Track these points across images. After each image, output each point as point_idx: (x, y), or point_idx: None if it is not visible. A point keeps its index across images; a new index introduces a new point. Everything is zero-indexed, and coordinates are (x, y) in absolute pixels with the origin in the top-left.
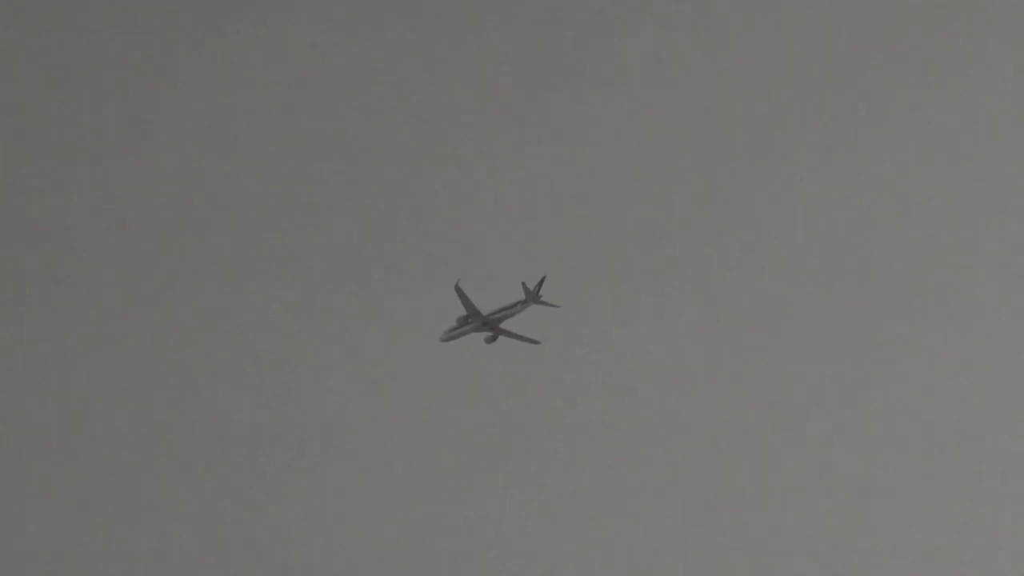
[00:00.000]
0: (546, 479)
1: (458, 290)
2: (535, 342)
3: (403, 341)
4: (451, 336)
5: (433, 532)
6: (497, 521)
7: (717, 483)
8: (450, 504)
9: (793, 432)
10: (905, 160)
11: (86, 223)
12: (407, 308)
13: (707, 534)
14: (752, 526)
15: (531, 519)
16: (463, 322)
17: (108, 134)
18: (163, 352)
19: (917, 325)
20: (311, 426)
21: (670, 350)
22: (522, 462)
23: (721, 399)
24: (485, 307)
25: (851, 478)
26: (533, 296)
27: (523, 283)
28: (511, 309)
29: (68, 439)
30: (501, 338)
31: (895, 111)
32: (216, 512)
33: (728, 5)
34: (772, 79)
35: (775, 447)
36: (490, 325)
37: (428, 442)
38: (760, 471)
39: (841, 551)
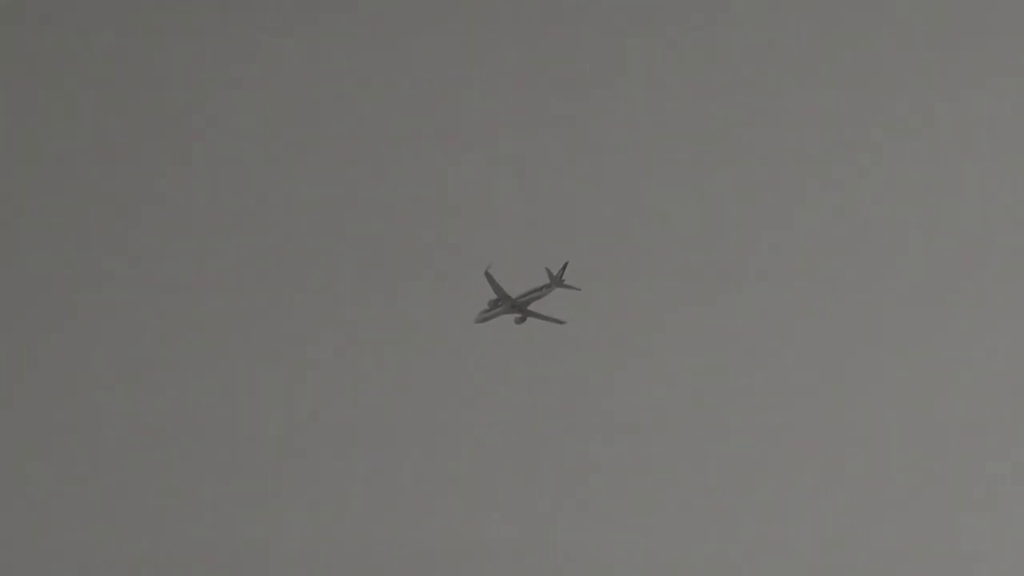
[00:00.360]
0: (568, 460)
1: (488, 276)
2: (560, 322)
3: (437, 325)
4: (484, 318)
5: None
6: (520, 506)
7: (735, 457)
8: (476, 486)
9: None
10: (914, 170)
11: (92, 227)
12: (440, 295)
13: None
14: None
15: (552, 497)
16: (494, 305)
17: (114, 138)
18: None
19: (922, 334)
20: (345, 417)
21: (684, 329)
22: (544, 440)
23: (732, 383)
24: (513, 292)
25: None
26: (557, 280)
27: (547, 268)
28: (537, 292)
29: (68, 439)
30: (529, 319)
31: (903, 119)
32: (249, 504)
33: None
34: (791, 82)
35: (798, 422)
36: (519, 307)
37: (458, 420)
38: (782, 445)
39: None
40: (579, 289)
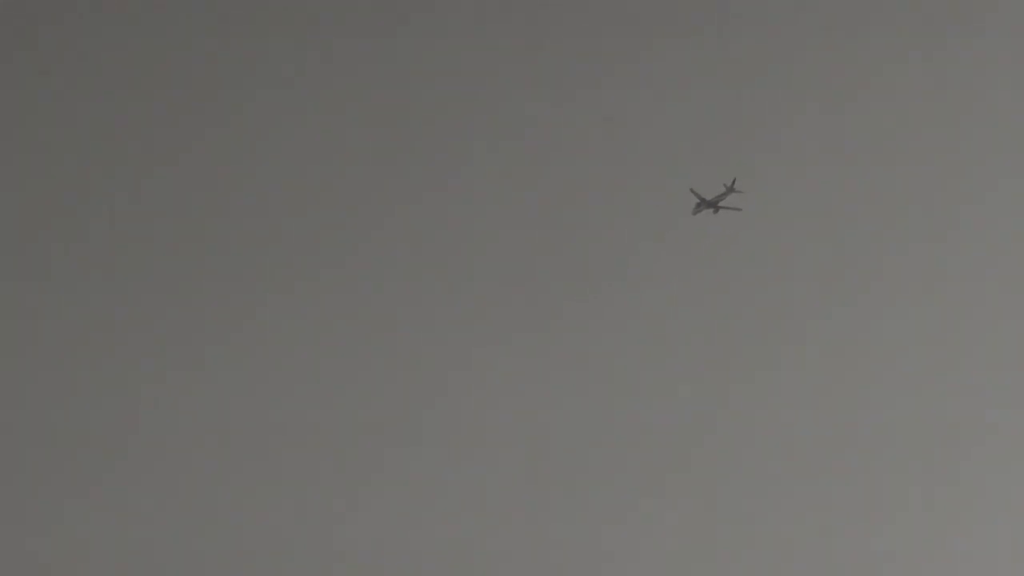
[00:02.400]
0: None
1: (692, 191)
2: (738, 209)
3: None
4: (696, 212)
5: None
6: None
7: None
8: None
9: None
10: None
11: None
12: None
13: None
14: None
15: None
16: (698, 207)
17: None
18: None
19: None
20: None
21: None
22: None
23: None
24: (708, 195)
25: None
26: (731, 189)
27: (724, 183)
28: (723, 196)
29: (66, 439)
30: (721, 211)
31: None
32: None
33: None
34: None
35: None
36: (712, 205)
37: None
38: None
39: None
40: (743, 192)
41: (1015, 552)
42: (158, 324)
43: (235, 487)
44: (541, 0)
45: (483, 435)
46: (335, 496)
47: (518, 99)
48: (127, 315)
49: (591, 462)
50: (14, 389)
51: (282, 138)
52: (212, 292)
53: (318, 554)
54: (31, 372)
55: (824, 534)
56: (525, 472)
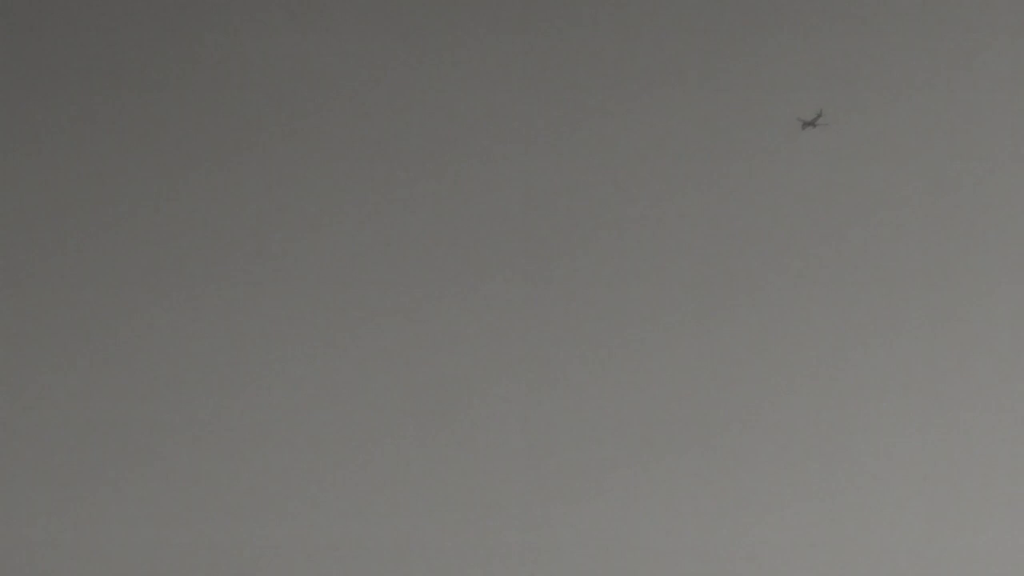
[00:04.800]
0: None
1: (799, 120)
2: (827, 124)
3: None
4: (803, 129)
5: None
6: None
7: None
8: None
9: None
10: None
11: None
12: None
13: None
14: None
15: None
16: (804, 126)
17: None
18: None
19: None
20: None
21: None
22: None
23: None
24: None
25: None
26: (819, 114)
27: (817, 112)
28: (817, 119)
29: (66, 440)
30: (819, 127)
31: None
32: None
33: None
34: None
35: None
36: (813, 123)
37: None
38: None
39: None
40: (826, 114)
41: (1016, 552)
42: (159, 323)
43: (234, 487)
44: None
45: (481, 432)
46: (334, 494)
47: (517, 91)
48: (126, 314)
49: (591, 458)
50: (13, 389)
51: (281, 135)
52: (211, 291)
53: (317, 554)
54: (29, 372)
55: (821, 530)
56: (523, 470)
